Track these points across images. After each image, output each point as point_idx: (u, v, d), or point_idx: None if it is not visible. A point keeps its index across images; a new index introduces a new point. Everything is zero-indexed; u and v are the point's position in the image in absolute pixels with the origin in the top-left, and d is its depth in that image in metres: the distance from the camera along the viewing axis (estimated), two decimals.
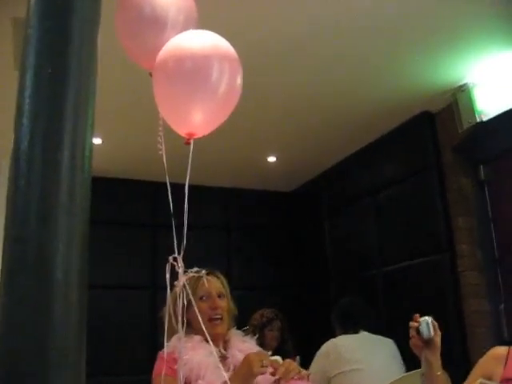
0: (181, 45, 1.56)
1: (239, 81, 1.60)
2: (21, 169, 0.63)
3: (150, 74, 1.63)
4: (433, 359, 1.81)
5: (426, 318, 1.82)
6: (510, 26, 2.88)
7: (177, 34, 1.63)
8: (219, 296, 2.05)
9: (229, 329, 2.07)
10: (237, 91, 1.61)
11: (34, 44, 0.66)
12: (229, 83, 1.56)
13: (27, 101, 0.65)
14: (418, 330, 1.82)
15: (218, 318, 1.99)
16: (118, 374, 4.43)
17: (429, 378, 1.83)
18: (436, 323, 1.83)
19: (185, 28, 1.68)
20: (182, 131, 1.62)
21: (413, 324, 1.84)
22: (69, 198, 0.61)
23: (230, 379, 1.64)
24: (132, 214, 4.94)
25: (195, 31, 1.63)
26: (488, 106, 3.34)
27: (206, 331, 1.62)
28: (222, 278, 2.14)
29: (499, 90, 3.27)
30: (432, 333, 1.80)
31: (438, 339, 1.82)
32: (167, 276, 1.53)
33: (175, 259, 1.54)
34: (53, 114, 0.64)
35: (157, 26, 1.66)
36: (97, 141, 4.03)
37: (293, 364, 1.84)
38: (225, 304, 2.05)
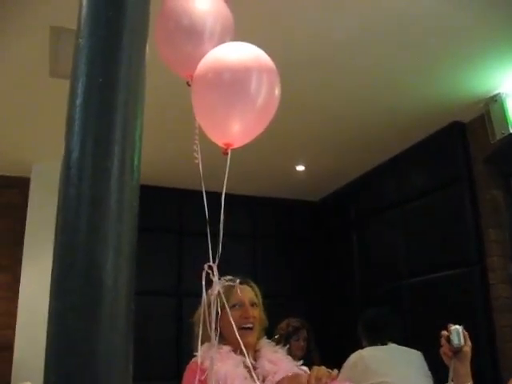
0: (220, 56, 1.59)
1: (277, 92, 1.62)
2: (71, 177, 0.64)
3: (188, 84, 1.65)
4: (462, 369, 1.79)
5: (458, 326, 1.81)
6: None
7: (214, 43, 1.65)
8: (252, 305, 2.03)
9: (259, 338, 2.06)
10: (275, 102, 1.64)
11: (85, 53, 0.68)
12: (267, 95, 1.59)
13: (78, 109, 0.67)
14: (448, 339, 1.80)
15: (249, 328, 1.98)
16: (144, 379, 4.45)
17: None
18: (466, 333, 1.81)
19: (222, 37, 1.70)
20: (219, 141, 1.64)
21: (444, 332, 1.82)
22: (118, 206, 0.62)
23: None
24: (159, 220, 4.98)
25: (234, 43, 1.65)
26: None
27: (239, 339, 1.61)
28: (255, 286, 2.12)
29: None
30: (462, 342, 1.78)
31: (468, 349, 1.80)
32: (203, 283, 1.53)
33: (210, 267, 1.54)
34: (103, 123, 0.65)
35: (194, 36, 1.68)
36: None
37: (321, 369, 1.83)
38: (257, 313, 2.03)
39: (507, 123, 3.35)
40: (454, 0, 2.59)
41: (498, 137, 3.41)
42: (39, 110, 3.47)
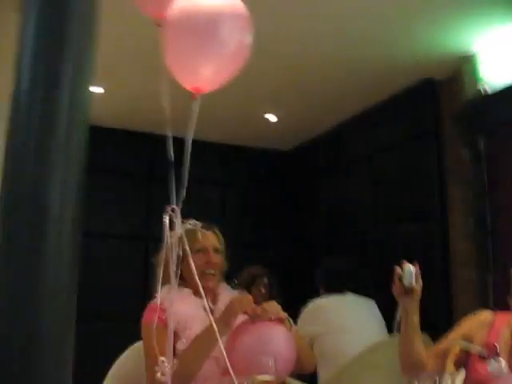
0: (192, 1, 1.57)
1: (249, 39, 1.63)
2: (21, 107, 0.63)
3: (158, 25, 1.61)
4: (410, 306, 1.84)
5: (411, 267, 1.83)
6: None
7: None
8: (215, 251, 2.07)
9: (219, 282, 2.10)
10: (246, 49, 1.64)
11: None
12: (239, 40, 1.60)
13: (30, 40, 0.65)
14: (400, 278, 1.84)
15: (211, 273, 2.01)
16: (108, 319, 4.51)
17: (403, 325, 1.86)
18: (419, 272, 1.84)
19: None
20: (188, 86, 1.62)
21: (397, 270, 1.85)
22: (66, 138, 0.62)
23: (214, 322, 1.67)
24: (129, 164, 4.95)
25: None
26: (493, 78, 3.31)
27: (199, 284, 1.64)
28: (218, 233, 2.15)
29: (505, 62, 3.24)
30: (414, 281, 1.81)
31: (419, 288, 1.84)
32: (165, 225, 1.55)
33: (173, 210, 1.55)
34: (55, 55, 0.64)
35: None
36: (99, 90, 4.00)
37: (274, 306, 1.88)
38: (219, 259, 2.07)
39: (478, 83, 3.37)
40: None
41: (469, 96, 3.44)
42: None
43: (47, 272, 0.59)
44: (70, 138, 0.62)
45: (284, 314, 1.90)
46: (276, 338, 1.82)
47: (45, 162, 0.60)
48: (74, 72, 0.63)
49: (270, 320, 1.83)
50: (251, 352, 1.77)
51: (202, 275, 1.93)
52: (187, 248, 1.59)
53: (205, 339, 1.77)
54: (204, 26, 1.55)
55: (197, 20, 1.55)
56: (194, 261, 1.67)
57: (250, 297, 1.95)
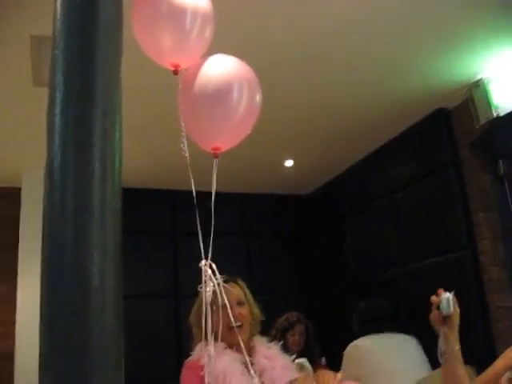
0: (204, 70, 1.75)
1: (258, 98, 1.82)
2: (55, 183, 0.65)
3: (174, 72, 1.71)
4: (450, 335, 1.79)
5: (447, 293, 1.81)
6: None
7: (195, 32, 1.70)
8: (238, 303, 2.04)
9: (253, 335, 2.07)
10: (256, 108, 1.83)
11: (60, 63, 0.70)
12: (248, 102, 1.77)
13: (57, 118, 0.68)
14: (438, 306, 1.81)
15: (237, 326, 1.98)
16: (146, 381, 4.46)
17: (445, 353, 1.80)
18: (456, 299, 1.81)
19: (203, 26, 1.73)
20: (207, 148, 1.73)
21: (434, 299, 1.82)
22: (101, 209, 0.64)
23: None
24: (153, 223, 4.99)
25: (217, 56, 1.81)
26: (504, 101, 3.33)
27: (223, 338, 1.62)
28: (241, 284, 2.13)
29: None
30: (451, 309, 1.78)
31: (457, 316, 1.80)
32: (204, 281, 1.56)
33: (210, 265, 1.56)
34: (83, 130, 0.67)
35: (175, 23, 1.72)
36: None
37: (327, 373, 1.86)
38: (245, 311, 2.04)
39: (490, 107, 3.38)
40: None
41: (482, 121, 3.45)
42: (25, 118, 3.47)
43: (93, 340, 0.60)
44: (105, 209, 0.64)
45: (340, 374, 1.89)
46: None
47: (83, 236, 0.62)
48: (103, 142, 0.66)
49: None
50: None
51: (229, 329, 1.92)
52: (225, 300, 1.59)
53: None
54: (214, 94, 1.72)
55: (208, 88, 1.72)
56: (219, 316, 1.67)
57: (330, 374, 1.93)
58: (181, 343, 4.48)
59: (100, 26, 0.68)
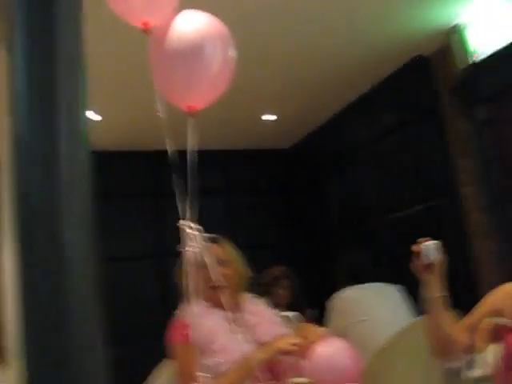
0: (176, 27, 1.70)
1: (232, 53, 1.79)
2: (21, 145, 0.64)
3: (145, 31, 1.66)
4: (434, 283, 1.77)
5: (431, 241, 1.77)
6: None
7: None
8: (221, 263, 2.00)
9: (238, 292, 2.06)
10: (231, 63, 1.79)
11: (20, 25, 0.67)
12: (222, 58, 1.75)
13: (20, 82, 0.66)
14: (420, 253, 1.77)
15: (219, 286, 1.95)
16: (132, 341, 4.52)
17: (429, 302, 1.79)
18: (441, 247, 1.77)
19: None
20: (183, 106, 1.69)
21: (415, 247, 1.79)
22: (70, 169, 0.63)
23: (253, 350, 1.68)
24: (135, 185, 4.97)
25: (188, 12, 1.76)
26: (481, 46, 3.31)
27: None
28: (224, 243, 2.10)
29: (491, 29, 3.24)
30: (432, 257, 1.75)
31: (441, 264, 1.77)
32: (184, 242, 1.56)
33: (190, 226, 1.56)
34: (46, 92, 0.65)
35: None
36: (96, 117, 4.06)
37: (308, 327, 1.87)
38: (227, 270, 2.01)
39: (468, 53, 3.36)
40: None
41: (461, 67, 3.43)
42: None
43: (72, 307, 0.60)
44: (74, 168, 0.63)
45: (322, 330, 1.90)
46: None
47: (52, 198, 0.61)
48: (68, 101, 0.64)
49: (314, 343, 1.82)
50: None
51: (211, 288, 1.91)
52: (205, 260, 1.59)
53: (240, 371, 1.78)
54: (190, 51, 1.68)
55: (181, 46, 1.68)
56: (201, 275, 1.67)
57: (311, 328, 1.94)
58: (168, 302, 4.52)
59: None
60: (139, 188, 5.02)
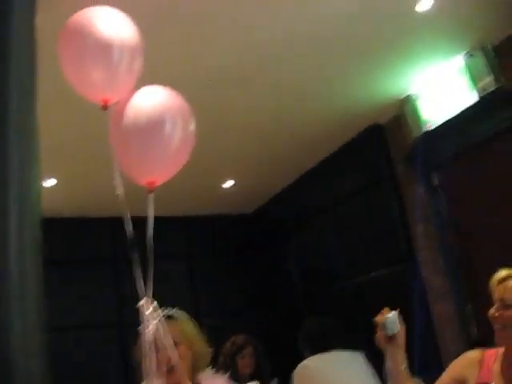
0: (135, 103, 1.69)
1: (191, 128, 1.77)
2: None
3: (104, 108, 1.65)
4: (397, 354, 1.77)
5: (392, 312, 1.78)
6: (444, 38, 3.04)
7: (123, 67, 1.64)
8: (177, 344, 1.85)
9: (200, 370, 1.93)
10: (191, 138, 1.77)
11: None
12: (182, 132, 1.73)
13: None
14: (382, 326, 1.77)
15: (168, 370, 1.82)
16: None
17: (393, 373, 1.78)
18: (401, 318, 1.78)
19: (131, 61, 1.69)
20: (142, 182, 1.67)
21: (378, 319, 1.79)
22: (19, 240, 0.60)
23: None
24: (92, 251, 4.85)
25: (147, 88, 1.74)
26: (433, 115, 3.45)
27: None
28: (179, 319, 1.95)
29: (442, 98, 3.39)
30: (396, 329, 1.76)
31: (402, 334, 1.78)
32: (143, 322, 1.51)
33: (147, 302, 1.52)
34: None
35: (103, 60, 1.66)
36: (51, 182, 3.97)
37: None
38: (184, 351, 1.88)
39: (420, 122, 3.50)
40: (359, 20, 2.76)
41: (414, 135, 3.56)
42: None
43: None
44: (23, 241, 0.60)
45: None
46: None
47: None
48: (20, 167, 0.62)
49: None
50: None
51: (165, 371, 1.80)
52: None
53: None
54: (149, 127, 1.66)
55: (140, 122, 1.66)
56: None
57: None
58: (128, 372, 4.34)
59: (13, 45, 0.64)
60: (98, 254, 4.91)
